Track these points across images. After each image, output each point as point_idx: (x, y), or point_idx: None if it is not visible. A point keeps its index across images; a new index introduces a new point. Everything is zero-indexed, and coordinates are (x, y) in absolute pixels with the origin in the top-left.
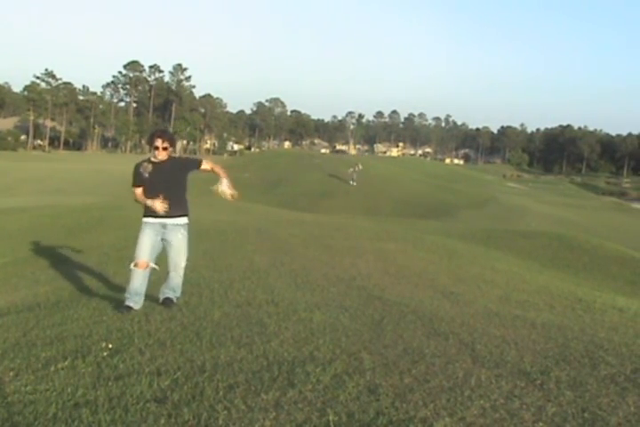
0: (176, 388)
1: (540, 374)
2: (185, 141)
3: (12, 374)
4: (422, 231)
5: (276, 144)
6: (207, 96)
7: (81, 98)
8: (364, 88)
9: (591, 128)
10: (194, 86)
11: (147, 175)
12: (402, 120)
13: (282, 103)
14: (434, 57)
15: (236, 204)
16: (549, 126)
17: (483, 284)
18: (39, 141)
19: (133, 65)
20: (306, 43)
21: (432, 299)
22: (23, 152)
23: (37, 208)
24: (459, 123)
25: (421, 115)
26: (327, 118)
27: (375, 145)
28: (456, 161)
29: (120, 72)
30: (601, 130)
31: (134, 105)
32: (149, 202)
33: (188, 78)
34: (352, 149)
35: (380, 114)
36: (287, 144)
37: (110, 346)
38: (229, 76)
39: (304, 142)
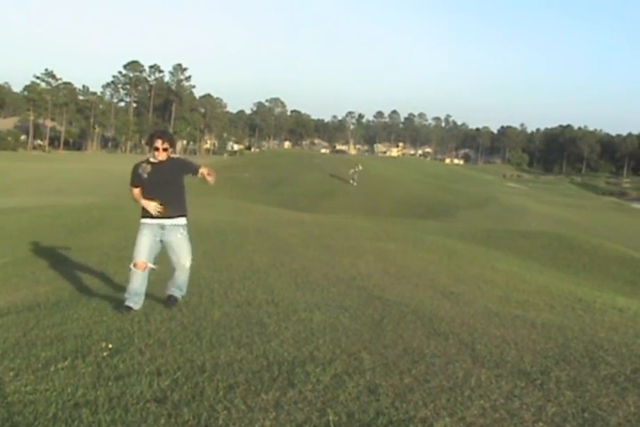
0: (176, 388)
1: (540, 374)
2: (185, 141)
3: (12, 374)
4: (422, 231)
5: (276, 144)
6: (207, 96)
7: (81, 98)
8: (364, 88)
9: (591, 128)
10: (194, 86)
11: (145, 176)
12: (402, 120)
13: (282, 103)
14: (434, 57)
15: (237, 204)
16: (549, 126)
17: (483, 284)
18: (39, 141)
19: (133, 65)
20: (306, 43)
21: (432, 299)
22: (23, 152)
23: (37, 208)
24: (459, 123)
25: (421, 115)
26: (327, 118)
27: (375, 145)
28: (456, 161)
29: (120, 72)
30: (601, 130)
31: (134, 105)
32: (144, 203)
33: (188, 78)
34: (352, 149)
35: (380, 114)
36: (287, 144)
37: (110, 346)
38: (229, 76)
39: (304, 142)
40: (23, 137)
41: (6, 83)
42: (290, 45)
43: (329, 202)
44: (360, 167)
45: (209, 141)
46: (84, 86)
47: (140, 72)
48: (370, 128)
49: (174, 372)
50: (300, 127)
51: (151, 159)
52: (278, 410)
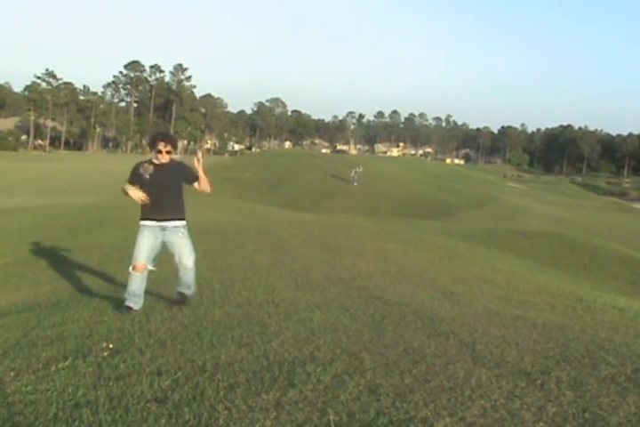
0: (177, 388)
1: (541, 374)
2: (185, 141)
3: (12, 374)
4: (423, 231)
5: (277, 144)
6: (208, 96)
7: (82, 98)
8: (364, 88)
9: (592, 128)
10: (194, 86)
11: (147, 177)
12: (402, 120)
13: (282, 103)
14: (434, 57)
15: (237, 204)
16: (550, 126)
17: (483, 284)
18: (40, 141)
19: (134, 65)
20: (306, 43)
21: (433, 299)
22: (24, 152)
23: (38, 208)
24: (459, 123)
25: (422, 115)
26: (328, 118)
27: (376, 145)
28: (456, 161)
29: (121, 72)
30: (601, 130)
31: (135, 105)
32: (131, 192)
33: (189, 78)
34: (353, 149)
35: (380, 114)
36: (288, 144)
37: (111, 346)
38: (230, 76)
39: (305, 142)
40: (24, 137)
41: (7, 83)
42: (290, 45)
43: (330, 202)
44: (360, 168)
45: (209, 141)
46: (84, 86)
47: (141, 72)
48: (370, 128)
49: (175, 372)
50: (300, 127)
51: (154, 160)
52: (279, 410)
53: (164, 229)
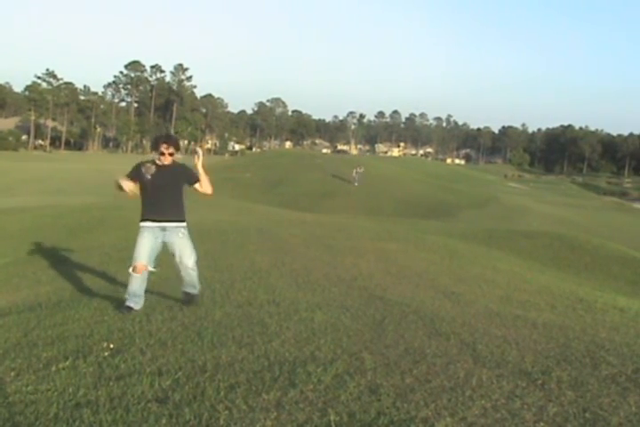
0: (177, 388)
1: (542, 374)
2: (186, 141)
3: (13, 374)
4: (423, 231)
5: (278, 144)
6: (208, 96)
7: (82, 98)
8: (365, 88)
9: (592, 128)
10: (195, 86)
11: (148, 177)
12: (403, 120)
13: (283, 103)
14: (435, 57)
15: (238, 204)
16: (551, 126)
17: (484, 284)
18: (40, 141)
19: (135, 65)
20: (307, 43)
21: (433, 299)
22: (24, 152)
23: (38, 208)
24: (460, 123)
25: (422, 115)
26: (328, 118)
27: (376, 145)
28: (457, 161)
29: (121, 72)
30: (602, 130)
31: (135, 105)
32: (124, 183)
33: (190, 78)
34: (353, 149)
35: (381, 114)
36: (288, 144)
37: (111, 346)
38: (230, 76)
39: (305, 142)
40: (24, 137)
41: (7, 83)
42: (291, 45)
43: (330, 202)
44: (361, 169)
45: (210, 141)
46: (85, 86)
47: (142, 72)
48: (371, 128)
49: (175, 372)
50: (301, 127)
51: (157, 161)
52: (279, 410)
53: (164, 229)
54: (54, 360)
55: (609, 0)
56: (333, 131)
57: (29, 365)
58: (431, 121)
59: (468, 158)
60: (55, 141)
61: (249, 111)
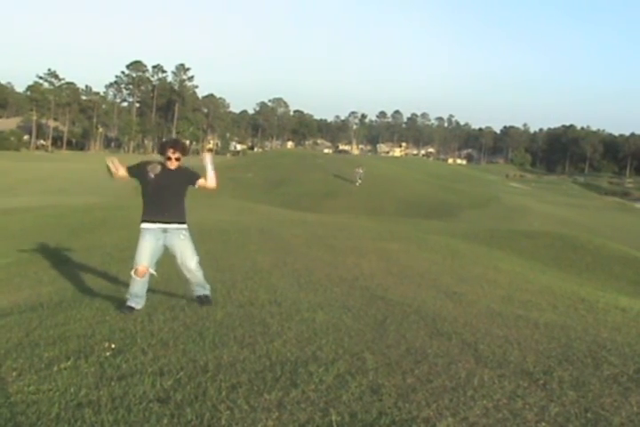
0: (179, 388)
1: (543, 374)
2: (188, 141)
3: (14, 374)
4: (425, 231)
5: (279, 144)
6: (210, 96)
7: (84, 98)
8: (366, 88)
9: (594, 128)
10: (197, 86)
11: (152, 176)
12: (405, 120)
13: (285, 103)
14: (437, 57)
15: (239, 204)
16: (552, 126)
17: (485, 284)
18: (42, 141)
19: (136, 65)
20: (309, 43)
21: (435, 299)
22: (26, 152)
23: (40, 208)
24: (461, 123)
25: (424, 115)
26: (330, 118)
27: (378, 145)
28: (459, 161)
29: (123, 72)
30: (604, 130)
31: (137, 105)
32: (108, 160)
33: (191, 78)
34: (355, 149)
35: (382, 114)
36: (290, 144)
37: (113, 346)
38: (232, 77)
39: (307, 142)
40: (26, 137)
41: (9, 83)
42: (293, 45)
43: (332, 202)
44: (361, 170)
45: (212, 141)
46: (86, 86)
47: (143, 72)
48: (373, 128)
49: (177, 372)
50: (302, 127)
51: (164, 163)
52: (281, 410)
53: (165, 231)
54: (56, 360)
55: (611, 0)
56: (335, 131)
57: (31, 365)
58: (433, 121)
59: (469, 158)
60: (57, 141)
61: (251, 111)
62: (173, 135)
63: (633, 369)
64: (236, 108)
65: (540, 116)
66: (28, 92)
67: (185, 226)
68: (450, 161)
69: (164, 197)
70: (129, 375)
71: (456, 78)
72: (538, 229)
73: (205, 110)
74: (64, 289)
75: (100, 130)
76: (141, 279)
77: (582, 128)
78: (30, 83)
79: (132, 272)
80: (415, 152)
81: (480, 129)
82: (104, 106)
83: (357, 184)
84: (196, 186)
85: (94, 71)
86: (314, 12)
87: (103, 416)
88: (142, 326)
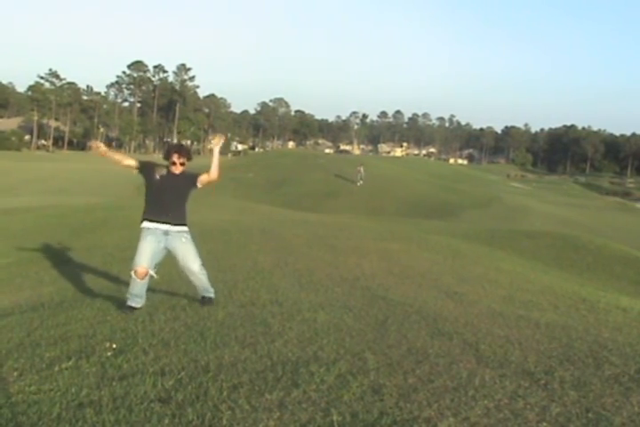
0: (180, 388)
1: (544, 374)
2: (189, 142)
3: (16, 374)
4: (426, 231)
5: (280, 144)
6: (211, 96)
7: (85, 98)
8: (367, 88)
9: (595, 128)
10: (198, 86)
11: (157, 177)
12: (406, 120)
13: (286, 103)
14: (438, 57)
15: (241, 204)
16: (553, 126)
17: (487, 284)
18: (43, 141)
19: (137, 65)
20: (310, 43)
21: (436, 299)
22: (27, 152)
23: (41, 208)
24: (462, 123)
25: (425, 115)
26: (331, 118)
27: (379, 145)
28: (460, 161)
29: (124, 72)
30: (605, 130)
31: (138, 105)
32: (93, 142)
33: (192, 78)
34: (356, 149)
35: (383, 114)
36: (291, 144)
37: (114, 346)
38: (233, 77)
39: (308, 142)
40: (27, 137)
41: (10, 83)
42: (294, 45)
43: (333, 202)
44: (361, 171)
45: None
46: (87, 86)
47: (144, 72)
48: (374, 128)
49: (178, 372)
50: (303, 127)
51: (169, 167)
52: (282, 410)
53: (166, 233)
54: (57, 360)
55: (611, 0)
56: (336, 131)
57: (32, 365)
58: (434, 121)
59: (470, 158)
60: (58, 141)
61: (252, 111)
62: (174, 135)
63: (634, 369)
64: (237, 109)
65: (542, 116)
66: (30, 92)
67: (186, 229)
68: (451, 161)
69: (166, 198)
70: (130, 375)
71: (457, 78)
72: (539, 229)
73: (206, 110)
74: (65, 289)
75: (102, 130)
76: (141, 281)
77: (583, 128)
78: (31, 83)
79: (132, 273)
80: (416, 152)
81: (481, 129)
82: (105, 106)
83: (358, 184)
84: (199, 185)
85: (95, 71)
86: (314, 12)
87: (104, 416)
88: (143, 326)
